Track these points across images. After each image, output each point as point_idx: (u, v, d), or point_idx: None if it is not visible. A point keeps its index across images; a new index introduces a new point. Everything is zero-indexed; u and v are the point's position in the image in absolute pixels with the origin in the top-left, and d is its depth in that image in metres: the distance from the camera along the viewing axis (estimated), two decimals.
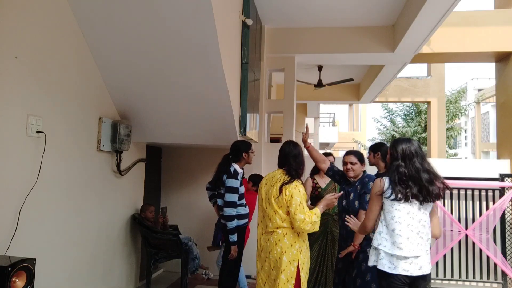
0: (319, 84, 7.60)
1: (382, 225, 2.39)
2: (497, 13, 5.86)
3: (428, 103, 10.41)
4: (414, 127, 15.30)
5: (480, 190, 5.05)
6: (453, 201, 5.12)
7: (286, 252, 2.77)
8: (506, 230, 5.00)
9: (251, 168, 4.53)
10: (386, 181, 2.38)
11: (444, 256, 5.03)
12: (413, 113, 15.79)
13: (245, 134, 4.25)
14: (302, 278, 2.78)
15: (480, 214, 5.00)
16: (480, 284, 5.10)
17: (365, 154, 3.52)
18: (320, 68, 7.38)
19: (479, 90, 28.23)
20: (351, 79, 7.70)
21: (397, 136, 15.84)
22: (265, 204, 2.94)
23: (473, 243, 4.99)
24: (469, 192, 5.08)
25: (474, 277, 5.03)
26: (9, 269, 2.06)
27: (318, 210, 2.79)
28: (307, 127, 3.53)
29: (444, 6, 4.04)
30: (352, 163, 3.21)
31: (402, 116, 16.56)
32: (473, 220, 5.01)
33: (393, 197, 2.32)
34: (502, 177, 5.01)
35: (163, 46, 3.22)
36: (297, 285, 2.76)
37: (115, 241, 3.97)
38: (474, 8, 18.55)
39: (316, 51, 5.54)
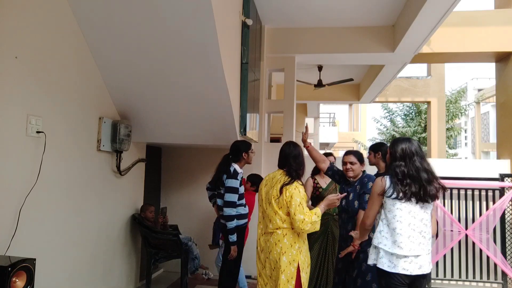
0: (319, 84, 7.60)
1: (382, 223, 2.40)
2: (497, 13, 5.86)
3: (428, 103, 10.41)
4: (414, 127, 15.30)
5: (480, 190, 5.05)
6: (453, 201, 5.11)
7: (286, 252, 2.77)
8: (506, 230, 5.00)
9: (251, 168, 4.53)
10: (387, 180, 2.39)
11: (444, 256, 5.03)
12: (413, 113, 15.79)
13: (245, 134, 4.25)
14: (303, 278, 2.78)
15: (480, 214, 5.00)
16: (480, 284, 5.10)
17: (365, 154, 3.52)
18: (320, 68, 7.38)
19: (479, 90, 28.24)
20: (351, 79, 7.70)
21: (397, 136, 15.84)
22: (265, 204, 2.94)
23: (473, 243, 4.99)
24: (469, 192, 5.08)
25: (474, 277, 5.03)
26: (9, 269, 2.06)
27: (318, 210, 2.79)
28: (306, 127, 3.53)
29: (444, 6, 4.04)
30: (351, 163, 3.21)
31: (402, 116, 16.56)
32: (473, 220, 5.01)
33: (394, 195, 2.33)
34: (502, 177, 5.01)
35: (163, 46, 3.22)
36: (298, 285, 2.76)
37: (115, 241, 3.97)
38: (474, 8, 18.56)
39: (316, 51, 5.54)
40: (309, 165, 3.52)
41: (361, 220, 2.98)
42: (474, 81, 31.23)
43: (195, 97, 3.69)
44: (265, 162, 5.29)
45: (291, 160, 2.93)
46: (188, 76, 3.48)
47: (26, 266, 2.17)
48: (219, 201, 3.56)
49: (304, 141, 3.42)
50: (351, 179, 3.24)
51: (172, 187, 5.45)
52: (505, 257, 4.94)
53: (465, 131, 29.55)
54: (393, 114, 16.94)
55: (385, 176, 2.42)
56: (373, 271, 2.74)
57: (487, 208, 5.01)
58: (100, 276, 3.69)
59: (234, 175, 3.43)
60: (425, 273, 2.33)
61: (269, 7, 4.90)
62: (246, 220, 3.62)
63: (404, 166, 2.37)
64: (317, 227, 2.77)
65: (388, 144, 2.82)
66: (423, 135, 14.41)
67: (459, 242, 5.01)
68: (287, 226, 2.80)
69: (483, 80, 29.91)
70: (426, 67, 10.40)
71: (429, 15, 4.22)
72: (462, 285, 5.09)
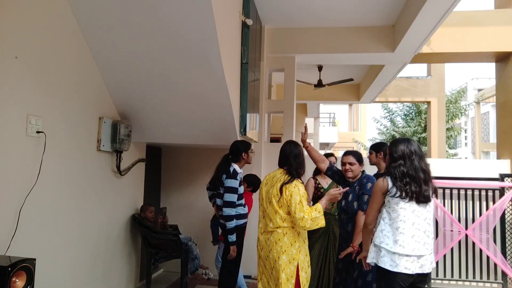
0: (319, 84, 7.60)
1: (384, 223, 2.40)
2: (497, 13, 5.86)
3: (428, 103, 10.41)
4: (414, 127, 15.30)
5: (480, 190, 5.05)
6: (453, 201, 5.12)
7: (286, 251, 2.77)
8: (506, 230, 5.00)
9: (251, 168, 4.53)
10: (388, 180, 2.40)
11: (444, 256, 5.03)
12: (413, 113, 15.79)
13: (245, 134, 4.26)
14: (302, 277, 2.78)
15: (480, 214, 5.00)
16: (480, 284, 5.10)
17: (365, 154, 3.52)
18: (320, 68, 7.38)
19: (479, 90, 28.24)
20: (351, 79, 7.70)
21: (397, 136, 15.85)
22: (265, 203, 2.94)
23: (473, 243, 4.99)
24: (469, 192, 5.08)
25: (474, 277, 5.03)
26: (9, 269, 2.05)
27: (319, 205, 2.79)
28: (305, 127, 3.52)
29: (444, 6, 4.04)
30: (350, 163, 3.19)
31: (402, 116, 16.55)
32: (473, 220, 5.01)
33: (398, 194, 2.34)
34: (502, 177, 5.01)
35: (163, 46, 3.22)
36: (297, 284, 2.76)
37: (115, 241, 3.97)
38: (474, 8, 18.55)
39: (316, 51, 5.54)
40: (310, 166, 3.53)
41: (360, 222, 2.99)
42: (474, 81, 31.23)
43: (195, 97, 3.69)
44: (265, 162, 5.29)
45: (291, 159, 2.94)
46: (188, 76, 3.48)
47: (26, 266, 2.17)
48: (218, 201, 3.56)
49: (303, 141, 3.42)
50: (350, 179, 3.24)
51: (172, 187, 5.45)
52: (505, 257, 4.94)
53: (465, 131, 29.55)
54: (393, 114, 16.94)
55: (386, 177, 2.43)
56: (374, 272, 2.75)
57: (487, 208, 5.01)
58: (100, 276, 3.69)
59: (234, 175, 3.43)
60: (425, 272, 2.33)
61: (269, 7, 4.90)
62: (245, 220, 3.62)
63: (404, 166, 2.38)
64: (320, 223, 2.76)
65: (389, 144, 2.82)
66: (423, 135, 14.40)
67: (459, 242, 5.02)
68: (287, 225, 2.81)
69: (483, 80, 29.91)
70: (426, 67, 10.40)
71: (429, 15, 4.22)
72: (462, 285, 5.09)
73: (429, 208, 2.40)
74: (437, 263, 5.03)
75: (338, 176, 3.37)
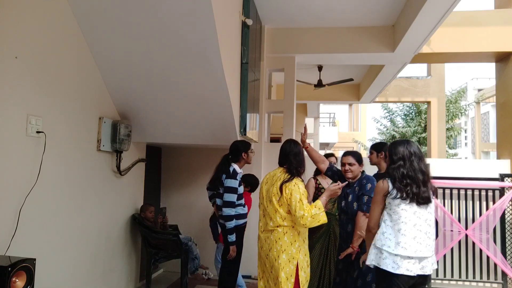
0: (319, 84, 7.60)
1: (385, 225, 2.39)
2: (497, 13, 5.86)
3: (428, 103, 10.41)
4: (414, 127, 15.29)
5: (480, 190, 5.05)
6: (453, 201, 5.12)
7: (286, 250, 2.78)
8: (506, 230, 5.00)
9: (251, 168, 4.53)
10: (389, 182, 2.39)
11: (444, 256, 5.03)
12: (413, 113, 15.78)
13: (245, 134, 4.26)
14: (301, 277, 2.79)
15: (480, 214, 5.00)
16: (480, 284, 5.10)
17: (365, 154, 3.52)
18: (320, 68, 7.37)
19: (479, 90, 28.23)
20: (351, 79, 7.70)
21: (397, 136, 15.86)
22: (266, 202, 2.95)
23: (473, 243, 4.99)
24: (469, 192, 5.08)
25: (474, 277, 5.03)
26: (9, 269, 2.06)
27: (319, 202, 2.79)
28: (305, 127, 3.51)
29: (444, 6, 4.04)
30: (350, 164, 3.19)
31: (402, 116, 16.55)
32: (473, 220, 5.01)
33: (398, 195, 2.33)
34: (502, 177, 5.01)
35: (163, 46, 3.22)
36: (297, 283, 2.77)
37: (115, 241, 3.97)
38: (474, 8, 18.56)
39: (316, 51, 5.54)
40: (311, 166, 3.52)
41: (360, 222, 2.99)
42: (474, 81, 31.22)
43: (195, 97, 3.69)
44: (265, 162, 5.29)
45: (291, 157, 2.94)
46: (188, 76, 3.48)
47: (26, 266, 2.17)
48: (218, 201, 3.56)
49: (303, 141, 3.41)
50: (350, 180, 3.23)
51: (172, 187, 5.45)
52: (505, 257, 4.94)
53: (465, 131, 29.55)
54: (393, 114, 16.93)
55: (386, 179, 2.42)
56: (374, 272, 2.74)
57: (487, 208, 5.01)
58: (100, 276, 3.69)
59: (234, 175, 3.43)
60: (426, 273, 2.33)
61: (269, 7, 4.90)
62: (245, 220, 3.62)
63: (403, 167, 2.38)
64: (321, 220, 2.75)
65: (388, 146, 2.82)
66: (423, 135, 14.41)
67: (459, 242, 5.02)
68: (287, 224, 2.81)
69: (483, 80, 29.91)
70: (426, 67, 10.40)
71: (429, 15, 4.22)
72: (462, 285, 5.09)
73: (430, 210, 2.39)
74: (437, 263, 5.03)
75: (338, 177, 3.36)
